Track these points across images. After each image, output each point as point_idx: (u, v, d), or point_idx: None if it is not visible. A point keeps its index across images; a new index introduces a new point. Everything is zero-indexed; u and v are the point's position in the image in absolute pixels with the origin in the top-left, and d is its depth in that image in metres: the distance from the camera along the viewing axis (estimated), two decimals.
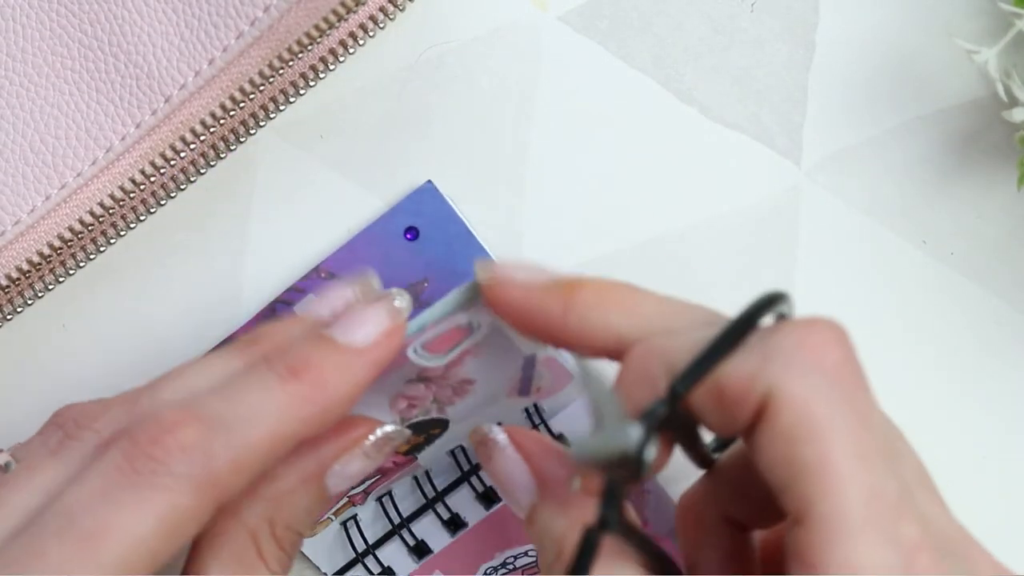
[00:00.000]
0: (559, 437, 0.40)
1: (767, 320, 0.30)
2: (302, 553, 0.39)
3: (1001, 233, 0.41)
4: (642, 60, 0.41)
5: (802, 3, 0.41)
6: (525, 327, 0.33)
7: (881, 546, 0.26)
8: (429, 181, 0.39)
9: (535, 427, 0.39)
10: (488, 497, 0.40)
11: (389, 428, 0.34)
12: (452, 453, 0.39)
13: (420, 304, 0.38)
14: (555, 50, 0.41)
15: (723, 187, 0.41)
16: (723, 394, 0.29)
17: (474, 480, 0.40)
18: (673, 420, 0.29)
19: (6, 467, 0.32)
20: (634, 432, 0.28)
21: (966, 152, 0.41)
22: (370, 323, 0.33)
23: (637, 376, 0.30)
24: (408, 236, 0.39)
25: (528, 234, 0.41)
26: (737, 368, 0.28)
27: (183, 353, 0.40)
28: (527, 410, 0.39)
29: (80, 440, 0.31)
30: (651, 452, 0.29)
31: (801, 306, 0.41)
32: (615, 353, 0.31)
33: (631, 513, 0.33)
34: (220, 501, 0.30)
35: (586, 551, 0.29)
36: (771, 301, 0.30)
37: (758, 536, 0.33)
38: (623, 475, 0.29)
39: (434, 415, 0.37)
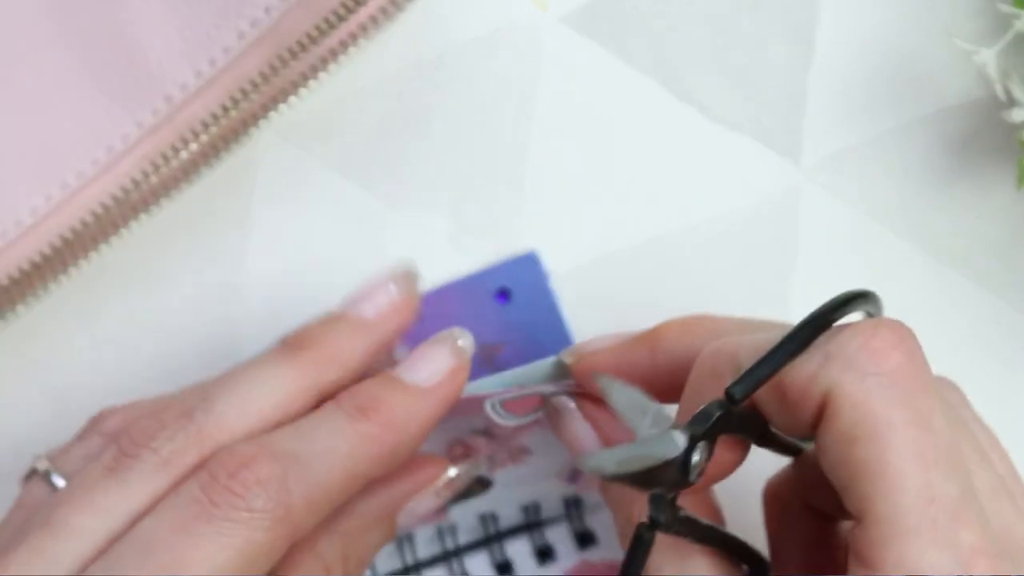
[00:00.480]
0: (589, 534, 0.40)
1: (852, 317, 0.30)
2: None
3: (1001, 233, 0.41)
4: (642, 60, 0.41)
5: (802, 4, 0.41)
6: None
7: (937, 548, 0.26)
8: (533, 252, 0.39)
9: (568, 519, 0.39)
10: (504, 568, 0.39)
11: (458, 469, 0.35)
12: (483, 517, 0.39)
13: (493, 366, 0.38)
14: (555, 50, 0.41)
15: (723, 187, 0.41)
16: (785, 394, 0.29)
17: (495, 548, 0.39)
18: (732, 423, 0.29)
19: (46, 475, 0.32)
20: (679, 439, 0.29)
21: (965, 152, 0.41)
22: (436, 361, 0.33)
23: (705, 375, 0.31)
24: (500, 299, 0.39)
25: (528, 234, 0.41)
26: (798, 369, 0.29)
27: (183, 353, 0.40)
28: (566, 500, 0.39)
29: (138, 460, 0.31)
30: (697, 457, 0.29)
31: (800, 306, 0.41)
32: None
33: (706, 498, 0.33)
34: (294, 537, 0.30)
35: (637, 548, 0.29)
36: (847, 301, 0.30)
37: (847, 527, 0.33)
38: (669, 483, 0.29)
39: (483, 473, 0.37)
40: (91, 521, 0.30)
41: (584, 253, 0.41)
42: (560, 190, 0.41)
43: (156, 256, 0.40)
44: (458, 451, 0.36)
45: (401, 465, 0.33)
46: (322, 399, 0.33)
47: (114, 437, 0.32)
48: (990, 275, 0.41)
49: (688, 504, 0.30)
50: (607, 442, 0.34)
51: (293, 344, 0.33)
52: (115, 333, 0.40)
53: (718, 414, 0.29)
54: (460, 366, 0.34)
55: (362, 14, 0.39)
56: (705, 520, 0.31)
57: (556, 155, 0.41)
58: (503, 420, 0.35)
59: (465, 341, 0.34)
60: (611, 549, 0.39)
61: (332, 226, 0.40)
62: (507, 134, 0.41)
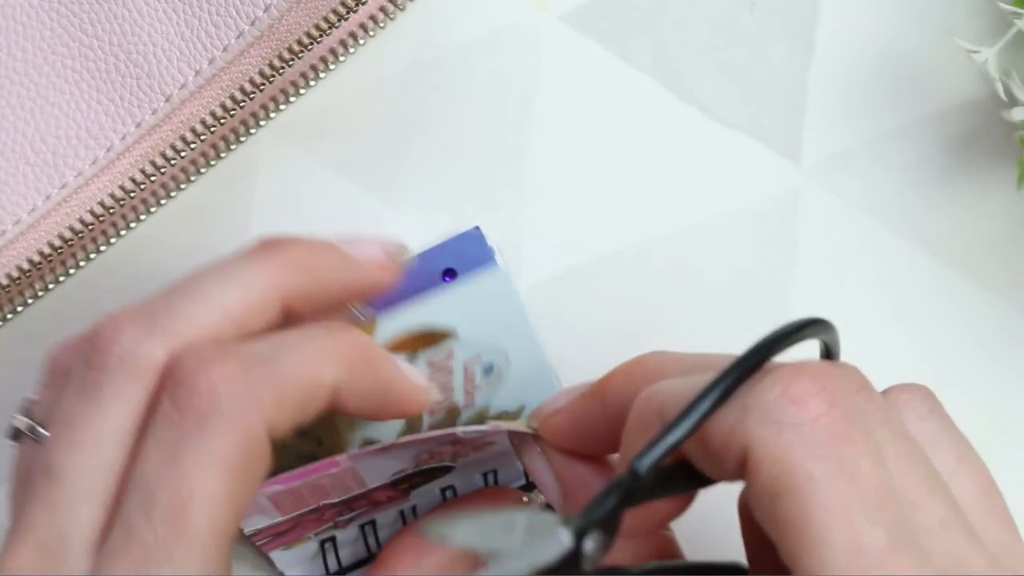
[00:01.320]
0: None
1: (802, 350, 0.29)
2: (271, 562, 0.39)
3: (1001, 233, 0.41)
4: (642, 60, 0.41)
5: (802, 3, 0.41)
6: (587, 449, 0.33)
7: None
8: (477, 228, 0.39)
9: (528, 484, 0.39)
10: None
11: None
12: (443, 492, 0.39)
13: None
14: (555, 50, 0.41)
15: (723, 187, 0.41)
16: (706, 447, 0.28)
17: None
18: (646, 491, 0.28)
19: (32, 431, 0.31)
20: (562, 538, 0.27)
21: (966, 152, 0.41)
22: (370, 247, 0.33)
23: (634, 428, 0.30)
24: (446, 278, 0.39)
25: (528, 234, 0.41)
26: (718, 423, 0.28)
27: None
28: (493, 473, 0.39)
29: (106, 371, 0.29)
30: (592, 545, 0.27)
31: (800, 307, 0.41)
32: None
33: (655, 537, 0.32)
34: (274, 426, 0.29)
35: None
36: (786, 336, 0.28)
37: None
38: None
39: (446, 463, 0.37)
40: (87, 459, 0.29)
41: (584, 253, 0.41)
42: (560, 190, 0.41)
43: (155, 256, 0.40)
44: (424, 457, 0.36)
45: (482, 497, 0.34)
46: (288, 311, 0.32)
47: (84, 353, 0.30)
48: (990, 274, 0.41)
49: (636, 545, 0.30)
50: (563, 482, 0.34)
51: (270, 243, 0.32)
52: None
53: (615, 500, 0.27)
54: (390, 261, 0.34)
55: (362, 14, 0.39)
56: (651, 564, 0.31)
57: (556, 155, 0.41)
58: (467, 433, 0.35)
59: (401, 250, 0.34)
60: None
61: (332, 225, 0.40)
62: (507, 134, 0.41)
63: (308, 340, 0.31)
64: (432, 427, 0.38)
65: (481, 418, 0.38)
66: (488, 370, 0.38)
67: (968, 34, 0.40)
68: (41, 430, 0.31)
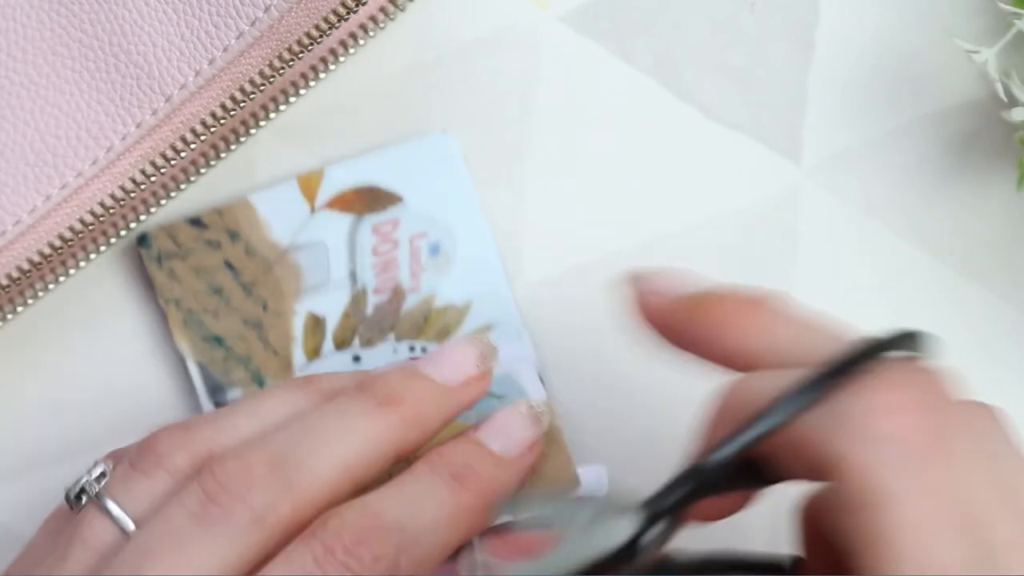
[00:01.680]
0: None
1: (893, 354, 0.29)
2: None
3: (1001, 233, 0.41)
4: (642, 60, 0.41)
5: (802, 3, 0.41)
6: (664, 334, 0.33)
7: None
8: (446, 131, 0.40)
9: None
10: None
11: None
12: None
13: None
14: (555, 50, 0.41)
15: (723, 187, 0.41)
16: (787, 449, 0.28)
17: None
18: (715, 484, 0.28)
19: (106, 510, 0.31)
20: (622, 528, 0.27)
21: (966, 152, 0.41)
22: (518, 430, 0.35)
23: (720, 414, 0.30)
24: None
25: (528, 234, 0.41)
26: (809, 430, 0.28)
27: None
28: None
29: (229, 512, 0.30)
30: (655, 533, 0.27)
31: None
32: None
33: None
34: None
35: None
36: (882, 345, 0.28)
37: None
38: (624, 568, 0.28)
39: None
40: None
41: (584, 253, 0.41)
42: (560, 190, 0.41)
43: None
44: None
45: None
46: (399, 459, 0.33)
47: (191, 478, 0.31)
48: (990, 274, 0.41)
49: None
50: None
51: (380, 398, 0.33)
52: (114, 332, 0.40)
53: (687, 489, 0.27)
54: (537, 432, 0.35)
55: (362, 14, 0.39)
56: (698, 555, 0.31)
57: (556, 155, 0.41)
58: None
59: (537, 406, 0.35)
60: None
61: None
62: (507, 134, 0.41)
63: (444, 511, 0.32)
64: (377, 308, 0.38)
65: (427, 306, 0.38)
66: (434, 249, 0.39)
67: (968, 34, 0.40)
68: (126, 519, 0.31)
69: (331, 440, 0.32)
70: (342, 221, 0.39)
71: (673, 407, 0.41)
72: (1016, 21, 0.38)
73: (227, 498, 0.30)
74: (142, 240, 0.39)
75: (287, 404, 0.33)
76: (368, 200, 0.39)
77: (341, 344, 0.39)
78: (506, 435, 0.34)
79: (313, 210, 0.39)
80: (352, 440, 0.32)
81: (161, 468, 0.32)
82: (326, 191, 0.39)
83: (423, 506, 0.32)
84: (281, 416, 0.33)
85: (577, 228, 0.41)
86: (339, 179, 0.39)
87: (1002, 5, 0.38)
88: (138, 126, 0.36)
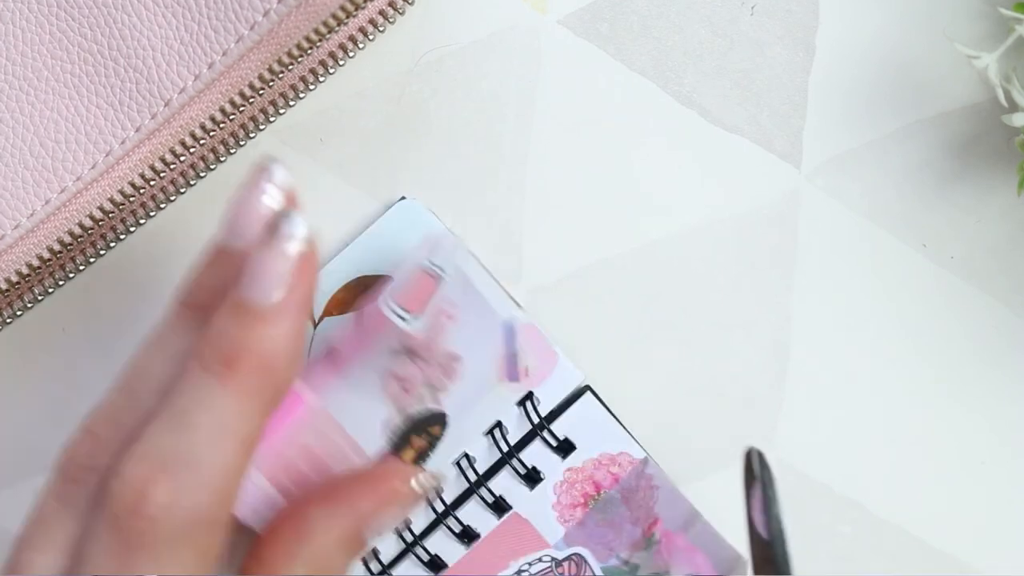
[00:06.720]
0: (565, 442, 0.40)
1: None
2: None
3: (1001, 237, 0.41)
4: (642, 63, 0.41)
5: (802, 6, 0.41)
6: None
7: None
8: (403, 197, 0.40)
9: (534, 429, 0.39)
10: (499, 507, 0.40)
11: (423, 476, 0.34)
12: (458, 465, 0.39)
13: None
14: (555, 53, 0.41)
15: (723, 190, 0.41)
16: None
17: (483, 491, 0.40)
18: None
19: None
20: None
21: (966, 156, 0.41)
22: (277, 265, 0.30)
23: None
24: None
25: (528, 237, 0.41)
26: None
27: None
28: (524, 405, 0.39)
29: (83, 484, 0.31)
30: None
31: (800, 308, 0.41)
32: None
33: None
34: (222, 525, 0.30)
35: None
36: None
37: None
38: None
39: (429, 405, 0.37)
40: (53, 561, 0.30)
41: (584, 256, 0.41)
42: (560, 193, 0.41)
43: (155, 260, 0.40)
44: (395, 387, 0.36)
45: (361, 479, 0.33)
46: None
47: (98, 504, 0.31)
48: (990, 278, 0.41)
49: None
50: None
51: (221, 362, 0.30)
52: (113, 336, 0.40)
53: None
54: (304, 258, 0.30)
55: (362, 18, 0.39)
56: None
57: (556, 158, 0.41)
58: (411, 323, 0.35)
59: (301, 227, 0.30)
60: (587, 451, 0.40)
61: (332, 228, 0.40)
62: (507, 137, 0.41)
63: (222, 413, 0.30)
64: None
65: None
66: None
67: (968, 39, 0.40)
68: None
69: (189, 437, 0.30)
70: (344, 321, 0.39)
71: (674, 407, 0.41)
72: (1017, 26, 0.38)
73: (80, 472, 0.31)
74: None
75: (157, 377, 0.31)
76: (361, 291, 0.39)
77: None
78: (265, 280, 0.30)
79: (316, 325, 0.39)
80: (213, 434, 0.30)
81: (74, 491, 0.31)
82: (319, 301, 0.39)
83: (198, 420, 0.29)
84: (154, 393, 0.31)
85: (577, 232, 0.41)
86: (326, 285, 0.39)
87: (1003, 10, 0.38)
88: (137, 130, 0.36)
